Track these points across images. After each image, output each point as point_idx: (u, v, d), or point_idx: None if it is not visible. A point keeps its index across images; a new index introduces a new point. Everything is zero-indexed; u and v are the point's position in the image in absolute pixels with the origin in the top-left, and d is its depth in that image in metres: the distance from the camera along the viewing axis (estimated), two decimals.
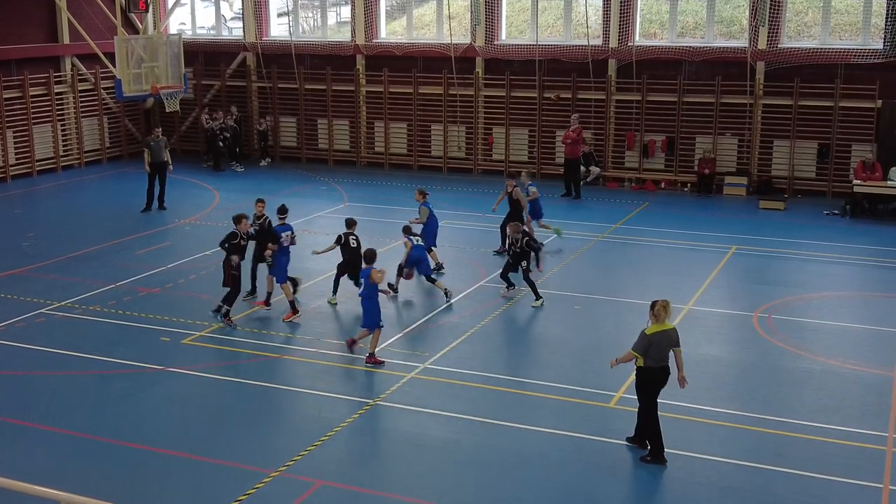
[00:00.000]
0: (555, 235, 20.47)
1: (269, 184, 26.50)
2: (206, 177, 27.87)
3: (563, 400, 12.77)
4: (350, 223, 16.56)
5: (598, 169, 26.86)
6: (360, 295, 14.23)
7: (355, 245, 16.24)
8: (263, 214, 16.47)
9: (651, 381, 11.02)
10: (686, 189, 26.21)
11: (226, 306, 15.44)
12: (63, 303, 16.57)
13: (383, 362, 13.83)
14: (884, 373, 13.68)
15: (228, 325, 15.30)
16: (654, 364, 10.94)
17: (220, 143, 28.94)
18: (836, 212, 23.32)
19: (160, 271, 18.39)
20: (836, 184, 24.81)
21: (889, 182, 22.91)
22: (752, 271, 18.86)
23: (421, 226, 18.03)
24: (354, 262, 15.94)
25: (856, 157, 24.21)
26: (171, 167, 23.88)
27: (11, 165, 27.53)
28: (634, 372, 11.19)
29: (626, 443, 11.41)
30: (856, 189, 23.13)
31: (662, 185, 26.53)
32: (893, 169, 23.01)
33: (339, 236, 16.37)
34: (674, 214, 23.48)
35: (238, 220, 15.56)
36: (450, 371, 13.66)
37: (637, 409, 11.31)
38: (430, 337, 15.06)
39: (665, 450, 11.03)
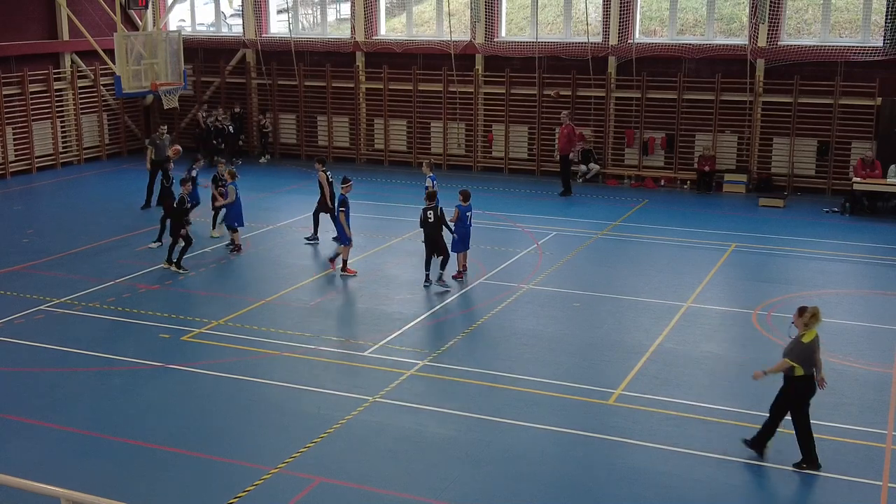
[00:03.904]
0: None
1: (269, 180, 26.52)
2: (204, 174, 27.74)
3: (562, 397, 12.77)
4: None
5: (597, 166, 26.85)
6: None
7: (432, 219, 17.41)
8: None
9: (808, 391, 10.77)
10: (686, 186, 26.19)
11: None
12: (62, 299, 16.57)
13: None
14: (883, 370, 13.69)
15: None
16: (810, 372, 10.71)
17: (214, 141, 28.91)
18: (836, 209, 23.30)
19: (160, 268, 18.37)
20: (836, 181, 24.80)
21: (889, 180, 22.90)
22: (752, 268, 18.86)
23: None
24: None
25: (855, 155, 24.19)
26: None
27: (11, 162, 27.51)
28: (785, 383, 10.89)
29: (748, 449, 11.19)
30: (855, 186, 23.11)
31: (662, 182, 26.52)
32: (893, 166, 23.00)
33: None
34: (673, 212, 23.46)
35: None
36: (449, 368, 13.66)
37: (765, 423, 11.07)
38: (428, 334, 15.06)
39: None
